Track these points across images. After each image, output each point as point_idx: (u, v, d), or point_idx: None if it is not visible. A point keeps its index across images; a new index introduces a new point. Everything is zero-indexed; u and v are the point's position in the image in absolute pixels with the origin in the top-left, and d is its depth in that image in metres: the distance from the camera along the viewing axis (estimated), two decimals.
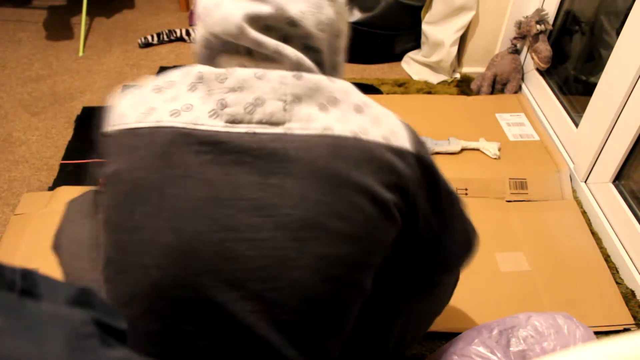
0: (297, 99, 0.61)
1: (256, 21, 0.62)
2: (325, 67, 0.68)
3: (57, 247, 0.94)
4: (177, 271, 0.58)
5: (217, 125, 0.60)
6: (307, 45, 0.65)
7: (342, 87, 0.64)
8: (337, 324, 0.64)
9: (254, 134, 0.59)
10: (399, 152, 0.62)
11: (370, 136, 0.61)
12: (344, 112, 0.62)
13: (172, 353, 0.61)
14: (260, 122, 0.60)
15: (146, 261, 0.59)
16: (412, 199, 0.65)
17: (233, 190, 0.58)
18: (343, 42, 0.71)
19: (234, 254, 0.58)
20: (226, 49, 0.65)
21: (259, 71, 0.61)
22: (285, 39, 0.64)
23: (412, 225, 0.68)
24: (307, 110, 0.61)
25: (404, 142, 0.63)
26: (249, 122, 0.60)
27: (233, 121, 0.60)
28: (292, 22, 0.63)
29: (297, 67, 0.63)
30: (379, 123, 0.63)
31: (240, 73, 0.61)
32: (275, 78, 0.61)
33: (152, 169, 0.60)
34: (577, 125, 1.58)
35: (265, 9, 0.62)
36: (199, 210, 0.58)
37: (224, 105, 0.60)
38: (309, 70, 0.64)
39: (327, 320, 0.62)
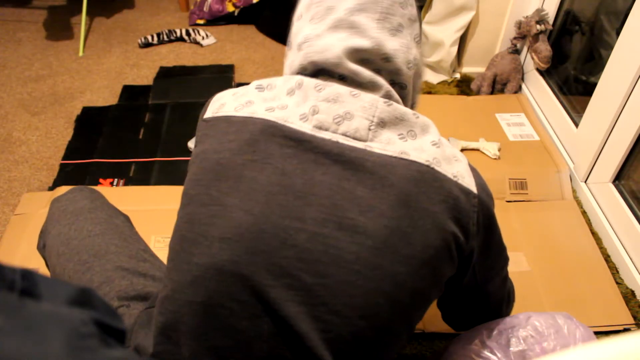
0: (382, 123, 0.64)
1: (354, 54, 0.66)
2: (408, 102, 0.72)
3: (43, 247, 0.91)
4: (236, 246, 0.61)
5: (305, 127, 0.64)
6: (394, 80, 0.69)
7: (423, 124, 0.67)
8: (375, 342, 0.63)
9: (337, 142, 0.63)
10: (465, 190, 0.65)
11: (442, 169, 0.64)
12: (421, 144, 0.65)
13: (210, 328, 0.62)
14: (344, 134, 0.63)
15: (211, 233, 0.62)
16: (471, 241, 0.67)
17: (306, 184, 0.61)
18: (421, 82, 0.75)
19: (293, 242, 0.60)
20: (321, 75, 0.69)
21: (355, 90, 0.65)
22: (377, 72, 0.67)
23: (464, 267, 0.69)
24: (387, 136, 0.64)
25: (470, 184, 0.66)
26: (334, 132, 0.63)
27: (320, 127, 0.64)
28: (387, 58, 0.67)
29: (387, 97, 0.67)
30: (451, 163, 0.66)
31: (338, 87, 0.65)
32: (368, 99, 0.65)
33: (236, 152, 0.64)
34: (577, 125, 1.58)
35: (364, 44, 0.66)
36: (272, 195, 0.61)
37: (315, 112, 0.64)
38: (396, 102, 0.68)
39: (366, 334, 0.62)
